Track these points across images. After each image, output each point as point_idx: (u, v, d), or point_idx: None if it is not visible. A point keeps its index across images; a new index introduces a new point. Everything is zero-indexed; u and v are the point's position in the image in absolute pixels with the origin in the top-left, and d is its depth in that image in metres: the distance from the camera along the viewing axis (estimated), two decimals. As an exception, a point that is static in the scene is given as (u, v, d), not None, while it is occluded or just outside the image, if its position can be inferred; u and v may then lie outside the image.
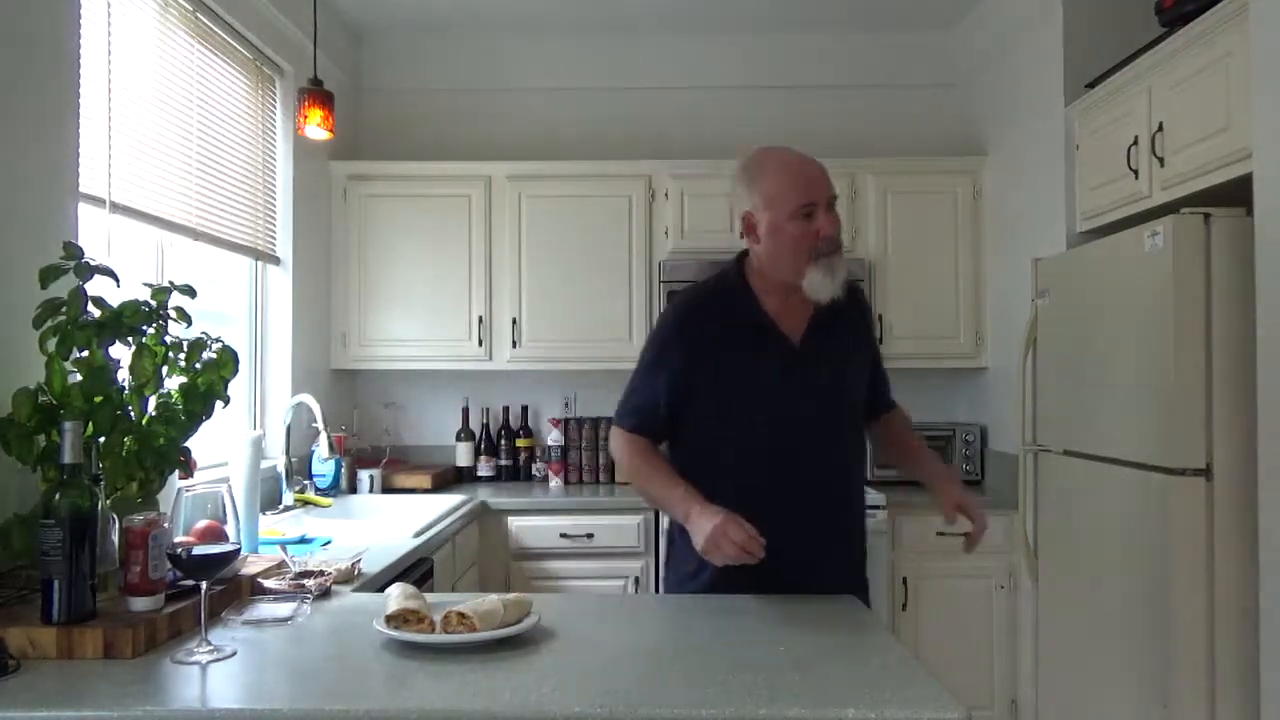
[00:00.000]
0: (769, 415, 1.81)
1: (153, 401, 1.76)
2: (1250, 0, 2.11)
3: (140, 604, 1.51)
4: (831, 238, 1.78)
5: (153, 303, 1.77)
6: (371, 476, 3.55)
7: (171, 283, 1.82)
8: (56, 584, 1.44)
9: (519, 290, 3.81)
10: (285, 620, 1.63)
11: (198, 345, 1.82)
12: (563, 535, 3.43)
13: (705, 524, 1.66)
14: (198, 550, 1.45)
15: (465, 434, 4.01)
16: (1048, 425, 2.96)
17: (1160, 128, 2.54)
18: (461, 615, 1.47)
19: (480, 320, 3.81)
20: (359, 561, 2.12)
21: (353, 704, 1.22)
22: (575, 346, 3.80)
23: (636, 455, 1.88)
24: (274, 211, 3.42)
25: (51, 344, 1.66)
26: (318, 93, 3.04)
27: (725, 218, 3.77)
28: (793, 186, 1.80)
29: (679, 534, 1.87)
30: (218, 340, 1.85)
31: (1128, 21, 2.91)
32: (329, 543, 2.48)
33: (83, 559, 1.45)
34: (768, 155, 1.88)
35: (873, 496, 3.43)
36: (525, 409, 4.10)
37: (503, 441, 4.02)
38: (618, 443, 1.93)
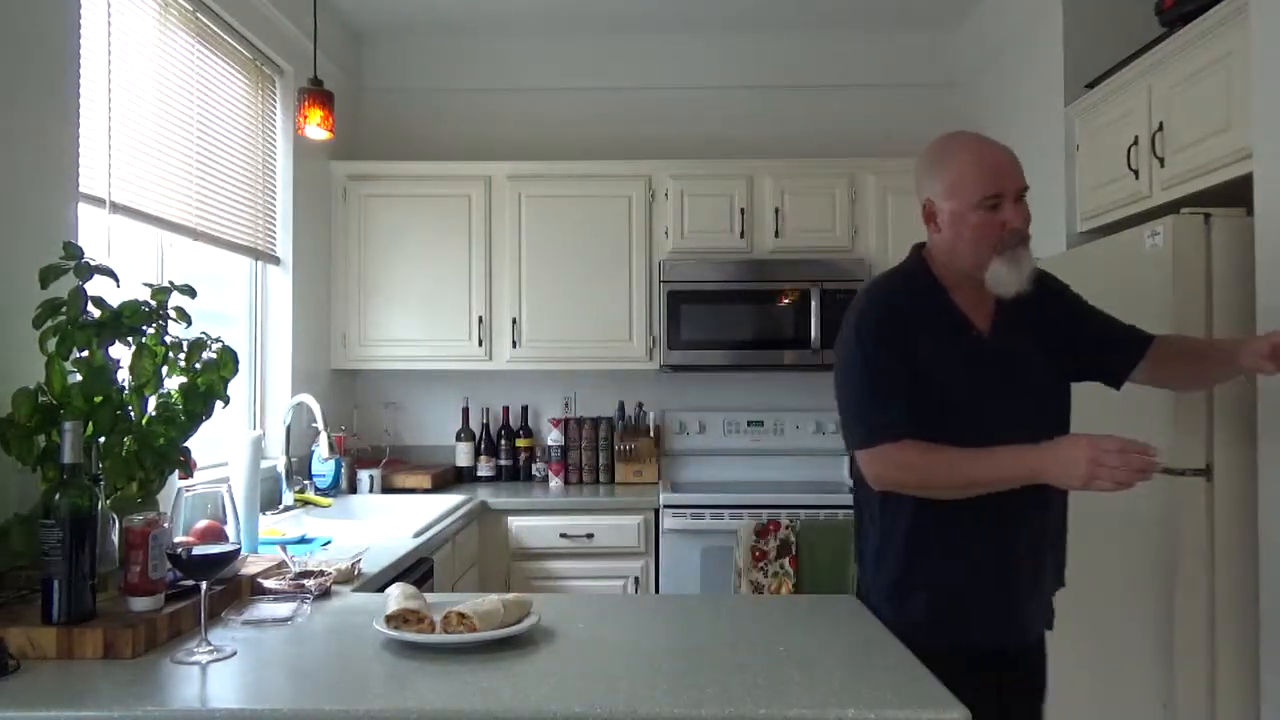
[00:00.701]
0: (964, 411, 1.70)
1: (153, 401, 1.76)
2: (1250, 0, 2.11)
3: (140, 604, 1.51)
4: (1018, 230, 1.69)
5: (153, 303, 1.77)
6: (371, 476, 3.55)
7: (171, 283, 1.82)
8: (56, 584, 1.44)
9: (519, 290, 3.81)
10: (285, 620, 1.63)
11: (198, 345, 1.82)
12: (563, 535, 3.43)
13: (1073, 453, 1.53)
14: (198, 550, 1.45)
15: (465, 434, 4.01)
16: (1048, 425, 2.96)
17: (1160, 128, 2.54)
18: (461, 615, 1.47)
19: (480, 320, 3.81)
20: (359, 561, 2.12)
21: (353, 704, 1.23)
22: (575, 346, 3.80)
23: (928, 454, 1.65)
24: (274, 211, 3.42)
25: (51, 344, 1.66)
26: (318, 93, 3.04)
27: (725, 218, 3.78)
28: (978, 175, 1.69)
29: (909, 534, 1.72)
30: (218, 340, 1.85)
31: (1128, 21, 2.91)
32: (329, 543, 2.48)
33: (83, 559, 1.45)
34: (954, 141, 1.77)
35: (873, 496, 3.43)
36: (525, 409, 4.10)
37: (503, 441, 4.02)
38: (894, 459, 1.67)
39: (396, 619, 1.50)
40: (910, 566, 1.73)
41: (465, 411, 4.02)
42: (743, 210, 3.77)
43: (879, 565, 1.79)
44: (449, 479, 3.90)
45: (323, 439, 3.01)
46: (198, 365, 1.81)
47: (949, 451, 1.64)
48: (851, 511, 3.38)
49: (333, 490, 3.38)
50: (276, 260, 3.45)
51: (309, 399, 3.01)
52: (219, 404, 1.84)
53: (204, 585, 1.46)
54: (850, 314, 1.82)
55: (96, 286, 1.74)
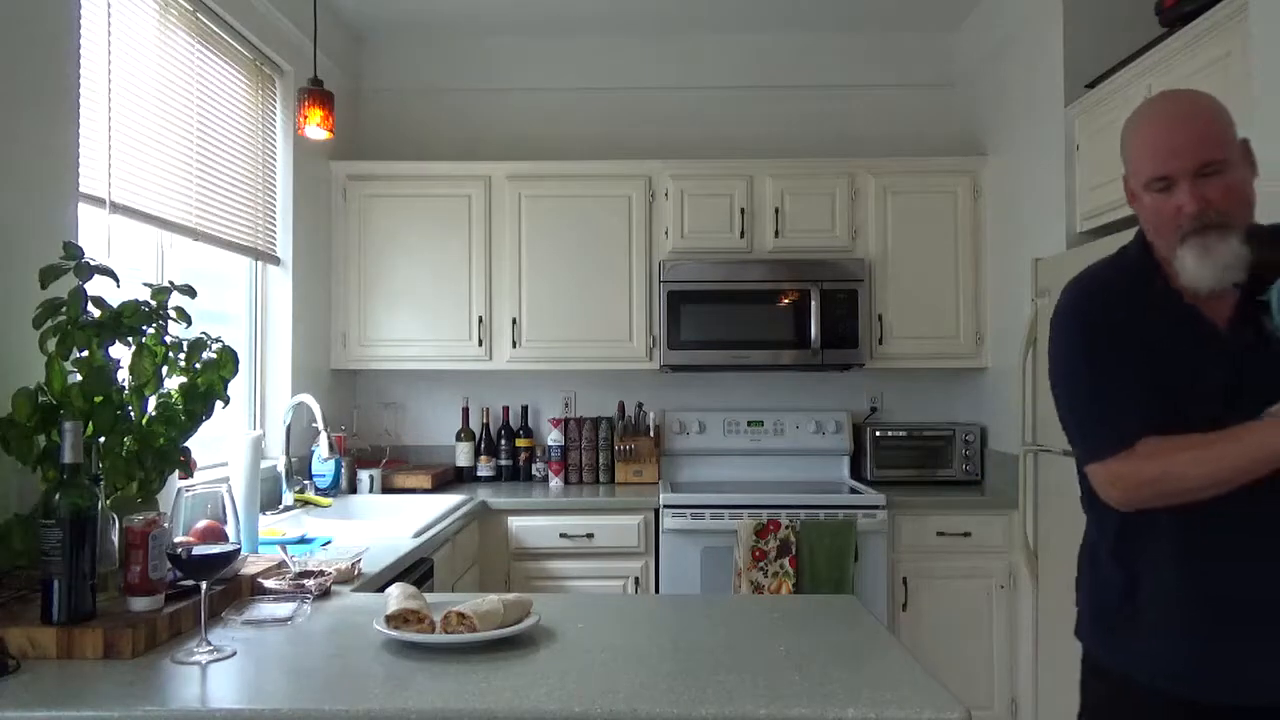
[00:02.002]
0: (1195, 421, 1.40)
1: (153, 401, 1.76)
2: (1250, 0, 2.11)
3: (140, 604, 1.51)
4: (1194, 214, 1.40)
5: (153, 303, 1.77)
6: (371, 476, 3.55)
7: (171, 283, 1.83)
8: (56, 584, 1.44)
9: (519, 290, 3.81)
10: (285, 620, 1.63)
11: (198, 345, 1.82)
12: (563, 535, 3.44)
13: None
14: (198, 550, 1.45)
15: (465, 434, 4.01)
16: (1048, 425, 2.96)
17: (1160, 128, 2.54)
18: (461, 615, 1.47)
19: (480, 320, 3.81)
20: (359, 561, 2.12)
21: (353, 704, 1.23)
22: (575, 346, 3.80)
23: (1167, 450, 1.39)
24: (274, 211, 3.42)
25: (51, 344, 1.66)
26: (318, 93, 3.04)
27: (725, 218, 3.78)
28: (1144, 154, 1.48)
29: (1119, 538, 1.50)
30: (218, 340, 1.86)
31: (1128, 21, 2.91)
32: (329, 543, 2.48)
33: (83, 559, 1.46)
34: (1141, 110, 1.53)
35: (871, 496, 3.43)
36: (525, 409, 4.10)
37: (503, 441, 4.02)
38: (1132, 468, 1.41)
39: (396, 619, 1.50)
40: (1128, 584, 1.49)
41: (465, 411, 4.02)
42: (743, 210, 3.77)
43: (1091, 581, 1.59)
44: (449, 479, 3.90)
45: (323, 439, 3.01)
46: (198, 365, 1.81)
47: (1190, 445, 1.37)
48: (850, 511, 3.42)
49: (333, 490, 3.38)
50: (276, 260, 3.45)
51: (309, 399, 3.02)
52: (219, 404, 1.85)
53: (204, 585, 1.46)
54: (1057, 314, 1.60)
55: (96, 286, 1.74)
